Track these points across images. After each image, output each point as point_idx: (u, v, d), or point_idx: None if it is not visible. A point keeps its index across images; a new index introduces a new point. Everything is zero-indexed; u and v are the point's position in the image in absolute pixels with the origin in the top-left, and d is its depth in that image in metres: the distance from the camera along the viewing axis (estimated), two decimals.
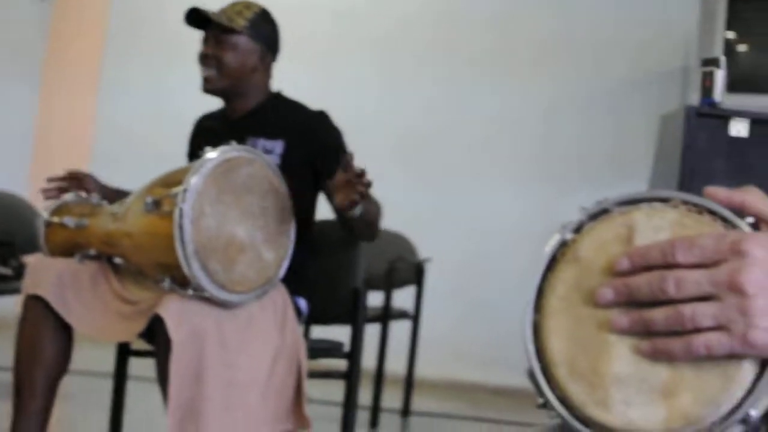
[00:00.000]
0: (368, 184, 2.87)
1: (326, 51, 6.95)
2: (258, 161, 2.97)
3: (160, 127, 7.17)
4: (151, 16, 7.63)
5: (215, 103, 3.51)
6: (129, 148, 7.46)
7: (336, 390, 3.56)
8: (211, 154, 2.87)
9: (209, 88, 3.35)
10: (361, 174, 2.84)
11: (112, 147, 7.60)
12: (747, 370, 0.96)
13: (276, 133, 3.31)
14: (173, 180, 2.88)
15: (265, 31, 3.39)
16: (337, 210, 3.04)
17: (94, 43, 7.91)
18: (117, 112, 7.68)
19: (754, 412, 0.97)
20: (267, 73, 3.45)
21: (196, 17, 3.36)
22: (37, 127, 7.98)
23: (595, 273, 1.02)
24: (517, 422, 5.22)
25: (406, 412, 5.41)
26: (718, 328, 0.94)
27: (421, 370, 5.57)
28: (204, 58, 3.35)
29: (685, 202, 1.02)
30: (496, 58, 6.67)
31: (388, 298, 5.12)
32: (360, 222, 3.07)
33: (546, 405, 1.03)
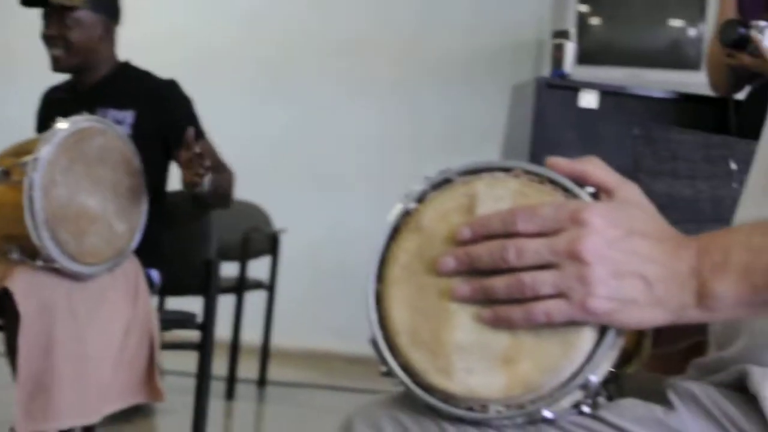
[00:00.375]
0: (207, 167, 2.86)
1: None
2: (110, 132, 2.93)
3: (9, 97, 6.97)
4: None
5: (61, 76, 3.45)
6: None
7: (191, 361, 3.54)
8: (63, 124, 2.82)
9: (59, 67, 3.29)
10: (200, 155, 2.84)
11: None
12: (586, 337, 0.98)
13: (125, 103, 3.27)
14: (24, 150, 2.83)
15: (104, 1, 3.33)
16: (185, 186, 3.01)
17: None
18: None
19: (594, 378, 0.98)
20: (112, 41, 3.40)
21: None
22: None
23: (437, 242, 1.02)
24: (372, 390, 5.25)
25: (262, 382, 5.40)
26: (558, 295, 0.95)
27: (277, 340, 5.56)
28: (49, 39, 3.27)
29: (527, 172, 1.02)
30: (360, 18, 6.63)
31: (243, 269, 5.10)
32: (210, 196, 3.07)
33: (389, 373, 1.04)
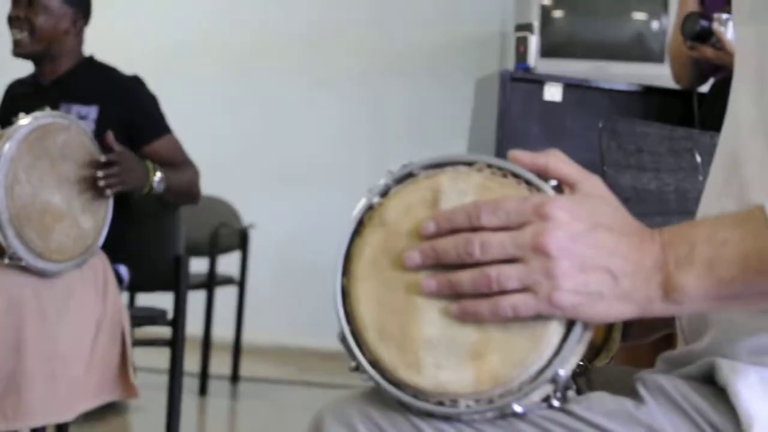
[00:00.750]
0: (113, 179, 2.87)
1: None
2: (74, 127, 2.90)
3: None
4: None
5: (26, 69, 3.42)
6: None
7: (163, 358, 3.53)
8: (24, 120, 2.78)
9: (20, 51, 3.27)
10: (107, 164, 2.85)
11: None
12: (554, 331, 0.98)
13: (89, 98, 3.26)
14: None
15: None
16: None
17: None
18: None
19: (563, 372, 0.99)
20: (79, 37, 3.39)
21: None
22: None
23: (402, 237, 1.03)
24: (345, 385, 5.26)
25: (235, 378, 5.40)
26: (524, 289, 0.96)
27: (249, 336, 5.55)
28: (15, 21, 3.25)
29: (490, 166, 1.03)
30: (315, 27, 6.64)
31: (212, 264, 5.09)
32: (168, 195, 3.08)
33: (358, 368, 1.04)
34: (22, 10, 3.24)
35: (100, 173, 2.87)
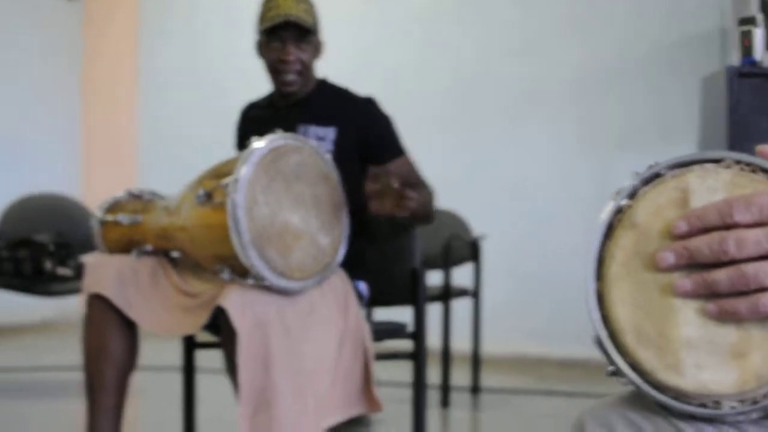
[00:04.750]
0: (409, 200, 2.85)
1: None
2: (306, 149, 2.95)
3: (203, 117, 7.21)
4: (179, 7, 7.68)
5: (255, 90, 3.49)
6: (173, 140, 7.52)
7: (403, 371, 3.55)
8: (259, 143, 2.85)
9: (293, 90, 3.32)
10: (401, 191, 2.84)
11: (157, 141, 7.68)
12: None
13: (327, 119, 3.30)
14: (223, 171, 2.88)
15: (318, 22, 3.36)
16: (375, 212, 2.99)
17: (128, 40, 7.96)
18: (158, 106, 7.74)
19: None
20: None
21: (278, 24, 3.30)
22: (82, 128, 8.04)
23: (653, 238, 1.02)
24: (584, 393, 5.19)
25: (475, 389, 5.40)
26: None
27: (486, 347, 5.56)
28: (287, 64, 3.29)
29: (738, 162, 1.01)
30: (527, 25, 6.62)
31: (447, 277, 5.10)
32: (413, 218, 3.05)
33: (617, 372, 1.03)
34: (292, 52, 3.28)
35: (408, 193, 2.86)
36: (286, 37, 3.27)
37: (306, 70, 3.32)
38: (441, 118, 6.72)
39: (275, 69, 3.31)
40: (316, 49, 3.36)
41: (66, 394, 4.97)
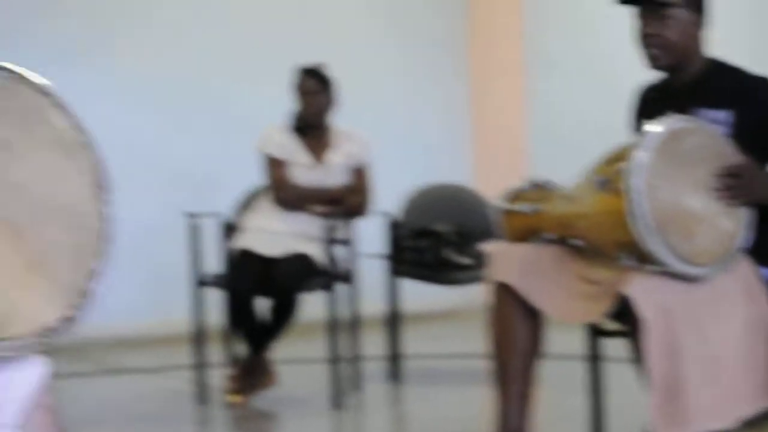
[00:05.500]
0: (736, 190, 2.75)
1: None
2: (702, 131, 2.91)
3: (594, 100, 7.15)
4: None
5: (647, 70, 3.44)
6: (563, 125, 7.47)
7: None
8: (655, 127, 2.84)
9: (656, 65, 3.27)
10: (729, 174, 2.73)
11: (547, 127, 7.66)
12: None
13: (720, 102, 3.16)
14: (618, 157, 2.89)
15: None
16: None
17: (513, 23, 8.03)
18: (546, 92, 7.71)
19: None
20: (702, 40, 3.33)
21: None
22: (472, 117, 8.22)
23: None
24: None
25: None
26: None
27: None
28: (646, 38, 3.26)
29: None
30: None
31: None
32: None
33: None
34: (651, 26, 3.23)
35: (722, 184, 2.83)
36: (643, 11, 3.23)
37: (671, 46, 3.20)
38: None
39: (640, 46, 3.28)
40: (685, 26, 3.20)
41: (473, 381, 5.11)
